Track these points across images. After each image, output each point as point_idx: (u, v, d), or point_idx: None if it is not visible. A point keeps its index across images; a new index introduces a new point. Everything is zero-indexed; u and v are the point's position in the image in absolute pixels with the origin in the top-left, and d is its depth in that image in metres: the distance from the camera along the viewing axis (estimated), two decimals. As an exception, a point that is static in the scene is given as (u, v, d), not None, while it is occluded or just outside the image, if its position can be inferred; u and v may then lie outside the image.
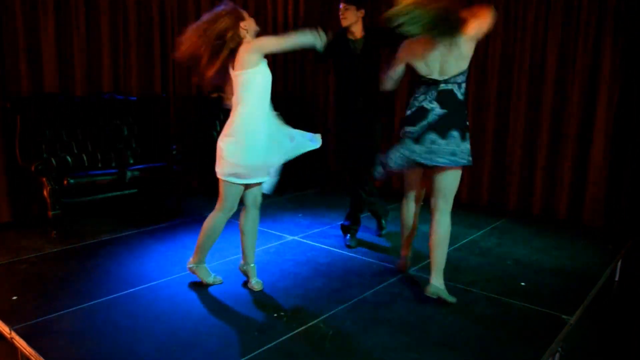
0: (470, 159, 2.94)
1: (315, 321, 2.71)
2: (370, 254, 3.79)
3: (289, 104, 5.91)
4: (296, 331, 2.60)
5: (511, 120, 5.10)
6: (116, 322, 2.68)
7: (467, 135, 2.92)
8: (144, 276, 3.27)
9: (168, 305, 2.89)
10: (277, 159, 2.94)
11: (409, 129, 2.95)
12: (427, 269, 3.47)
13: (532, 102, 4.95)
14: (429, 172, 3.03)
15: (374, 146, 3.81)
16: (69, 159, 4.56)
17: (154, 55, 5.34)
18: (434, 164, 2.88)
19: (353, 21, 3.69)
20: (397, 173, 3.15)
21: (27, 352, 2.43)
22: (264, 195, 3.14)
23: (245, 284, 3.17)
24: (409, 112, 2.98)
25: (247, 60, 2.80)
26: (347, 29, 3.72)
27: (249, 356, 2.35)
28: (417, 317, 2.80)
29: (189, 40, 2.85)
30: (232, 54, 2.84)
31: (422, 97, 2.93)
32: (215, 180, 2.99)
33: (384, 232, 4.27)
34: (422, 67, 2.91)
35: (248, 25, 2.87)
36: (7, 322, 2.61)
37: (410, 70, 3.02)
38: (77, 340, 2.49)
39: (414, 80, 3.03)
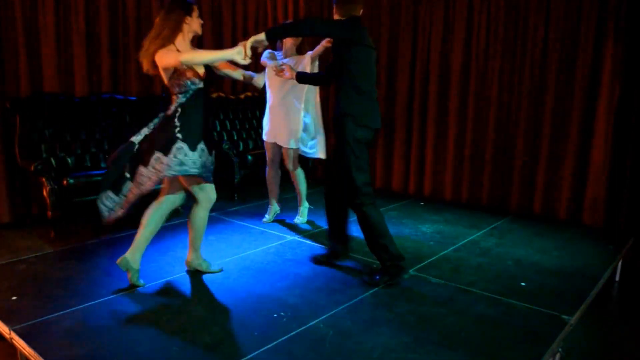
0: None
1: (315, 321, 2.70)
2: (370, 254, 3.77)
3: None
4: (296, 331, 2.59)
5: (512, 120, 5.09)
6: (116, 322, 2.68)
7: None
8: (144, 276, 3.25)
9: (168, 305, 2.89)
10: None
11: None
12: (427, 269, 3.48)
13: (533, 102, 4.94)
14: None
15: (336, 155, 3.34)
16: (69, 159, 4.57)
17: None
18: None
19: None
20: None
21: (26, 352, 2.43)
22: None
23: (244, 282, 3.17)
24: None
25: None
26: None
27: (249, 356, 2.35)
28: (417, 317, 2.79)
29: None
30: None
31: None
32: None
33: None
34: None
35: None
36: (7, 322, 2.61)
37: None
38: (77, 340, 2.48)
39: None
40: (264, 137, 4.41)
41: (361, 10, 3.35)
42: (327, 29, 3.31)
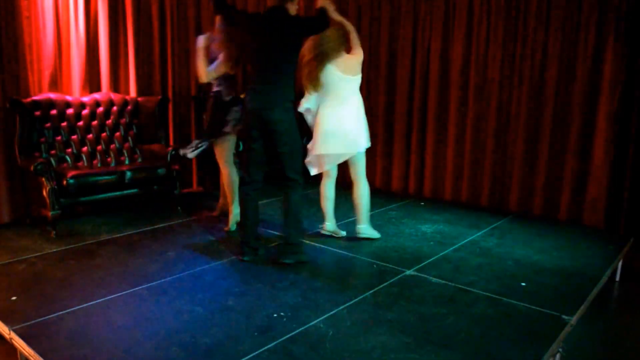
0: None
1: (315, 321, 2.70)
2: (370, 254, 3.78)
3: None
4: (296, 331, 2.59)
5: (512, 120, 5.09)
6: (116, 322, 2.68)
7: None
8: (144, 276, 3.26)
9: (168, 305, 2.89)
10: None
11: None
12: (427, 269, 3.48)
13: (533, 102, 4.94)
14: None
15: None
16: (68, 159, 4.57)
17: (153, 55, 5.34)
18: None
19: None
20: None
21: (26, 353, 2.42)
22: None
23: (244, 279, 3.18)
24: None
25: None
26: None
27: (249, 356, 2.35)
28: (417, 317, 2.79)
29: None
30: None
31: None
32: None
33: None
34: None
35: None
36: (7, 323, 2.61)
37: None
38: (77, 340, 2.48)
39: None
40: (330, 151, 3.79)
41: (274, 1, 3.49)
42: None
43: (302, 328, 2.62)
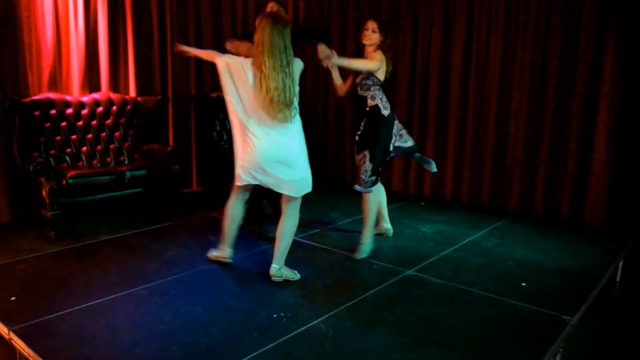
0: None
1: (315, 321, 2.70)
2: (370, 254, 3.77)
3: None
4: (296, 331, 2.59)
5: (512, 120, 5.08)
6: (115, 322, 2.67)
7: None
8: (144, 276, 3.26)
9: (168, 305, 2.88)
10: None
11: None
12: (427, 270, 3.48)
13: (534, 102, 4.93)
14: None
15: None
16: (68, 159, 4.56)
17: (153, 55, 5.33)
18: None
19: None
20: None
21: (25, 353, 2.42)
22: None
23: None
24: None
25: None
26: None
27: (249, 356, 2.34)
28: (417, 317, 2.79)
29: None
30: None
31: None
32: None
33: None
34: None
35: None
36: (6, 323, 2.60)
37: None
38: (76, 340, 2.48)
39: None
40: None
41: None
42: None
43: (302, 328, 2.62)
